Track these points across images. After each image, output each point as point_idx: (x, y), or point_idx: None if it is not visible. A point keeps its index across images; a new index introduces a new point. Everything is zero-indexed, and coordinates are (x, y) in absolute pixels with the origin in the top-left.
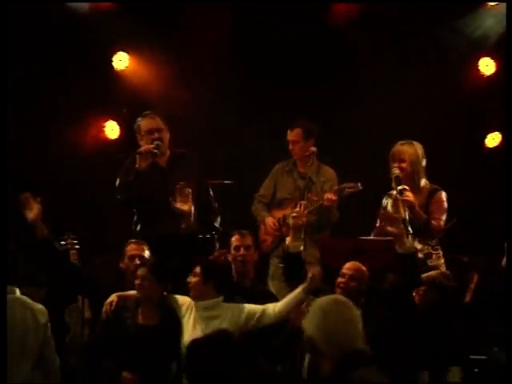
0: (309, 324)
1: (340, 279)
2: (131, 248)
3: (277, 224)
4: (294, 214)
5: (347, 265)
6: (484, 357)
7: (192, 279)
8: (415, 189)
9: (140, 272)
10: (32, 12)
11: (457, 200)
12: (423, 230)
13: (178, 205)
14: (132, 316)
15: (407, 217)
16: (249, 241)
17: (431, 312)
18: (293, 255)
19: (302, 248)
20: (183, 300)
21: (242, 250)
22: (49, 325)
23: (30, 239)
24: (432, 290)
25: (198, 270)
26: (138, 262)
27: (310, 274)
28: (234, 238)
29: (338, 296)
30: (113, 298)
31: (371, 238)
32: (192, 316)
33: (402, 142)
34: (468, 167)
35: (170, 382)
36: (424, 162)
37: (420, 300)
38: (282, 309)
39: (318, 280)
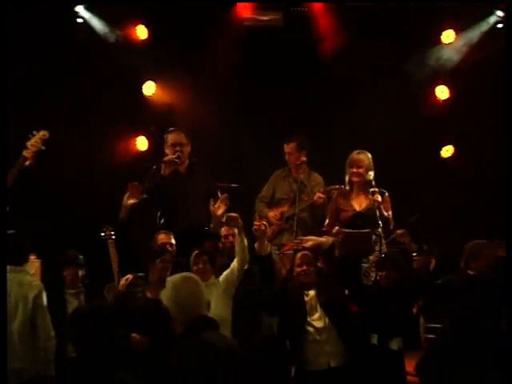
0: (164, 296)
1: (298, 268)
2: (162, 237)
3: (278, 215)
4: (255, 227)
5: (298, 255)
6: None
7: (200, 266)
8: (368, 191)
9: (167, 257)
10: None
11: (419, 198)
12: (384, 225)
13: (215, 210)
14: (142, 291)
15: (378, 214)
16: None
17: (391, 289)
18: (263, 257)
19: (269, 250)
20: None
21: (230, 237)
22: (41, 298)
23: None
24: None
25: (206, 258)
26: (169, 248)
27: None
28: (223, 229)
29: (187, 274)
30: (128, 276)
31: (354, 231)
32: None
33: (358, 151)
34: (427, 172)
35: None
36: (373, 170)
37: (383, 279)
38: (238, 263)
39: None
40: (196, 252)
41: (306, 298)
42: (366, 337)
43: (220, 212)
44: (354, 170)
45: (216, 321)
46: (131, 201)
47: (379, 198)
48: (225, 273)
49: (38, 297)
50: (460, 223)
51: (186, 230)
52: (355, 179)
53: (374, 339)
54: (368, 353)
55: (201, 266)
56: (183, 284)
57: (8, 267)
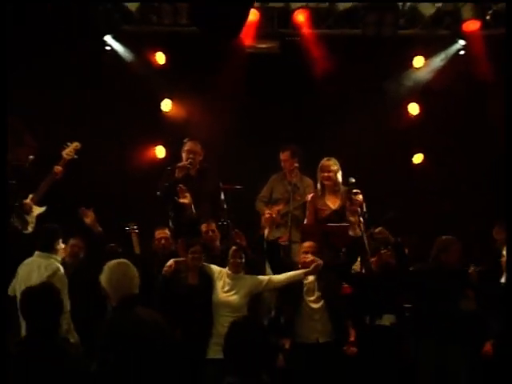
0: (102, 278)
1: (303, 255)
2: (158, 233)
3: (274, 212)
4: (266, 215)
5: (306, 243)
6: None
7: (237, 260)
8: (337, 191)
9: (196, 248)
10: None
11: (394, 198)
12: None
13: (181, 200)
14: (184, 277)
15: (359, 211)
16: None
17: (380, 273)
18: (270, 242)
19: (277, 236)
20: (216, 269)
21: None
22: (53, 277)
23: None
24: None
25: (242, 254)
26: (163, 242)
27: (314, 264)
28: (203, 225)
29: (122, 260)
30: (171, 262)
31: (335, 224)
32: (222, 281)
33: (327, 158)
34: (401, 176)
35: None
36: (340, 173)
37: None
38: (282, 281)
39: (317, 270)
40: (234, 248)
41: (306, 282)
42: (360, 317)
43: (186, 201)
44: (325, 174)
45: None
46: (88, 221)
47: (360, 198)
48: (259, 279)
49: (50, 276)
50: (429, 218)
51: (191, 224)
52: (326, 182)
53: (367, 319)
54: (361, 331)
55: (238, 260)
56: (117, 268)
57: (36, 252)
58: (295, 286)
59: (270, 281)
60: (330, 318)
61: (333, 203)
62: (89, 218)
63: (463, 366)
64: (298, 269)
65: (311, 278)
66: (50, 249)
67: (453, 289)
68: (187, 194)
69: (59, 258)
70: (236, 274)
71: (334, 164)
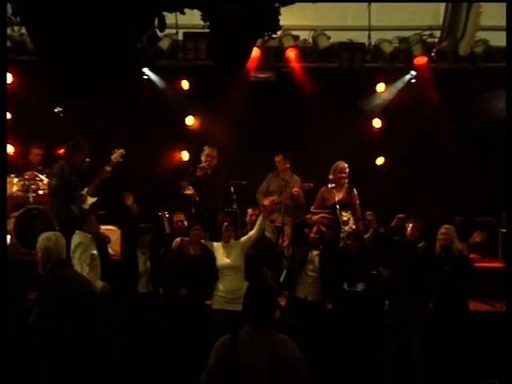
0: (37, 247)
1: (314, 235)
2: (176, 216)
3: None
4: (266, 203)
5: (315, 229)
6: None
7: (227, 233)
8: (342, 187)
9: (196, 227)
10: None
11: (362, 190)
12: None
13: (185, 192)
14: (187, 249)
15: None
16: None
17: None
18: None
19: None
20: (215, 244)
21: (253, 216)
22: (74, 249)
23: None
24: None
25: (232, 227)
26: (179, 224)
27: (263, 203)
28: (249, 210)
29: (53, 232)
30: (177, 239)
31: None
32: (220, 250)
33: (342, 161)
34: (367, 173)
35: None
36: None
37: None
38: (256, 231)
39: (270, 209)
40: (226, 223)
41: (310, 254)
42: (340, 283)
43: (190, 192)
44: (343, 175)
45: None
46: (189, 191)
47: (355, 192)
48: (244, 238)
49: (71, 249)
50: (388, 205)
51: (209, 210)
52: (342, 180)
53: (345, 285)
54: (341, 294)
55: (228, 233)
56: (49, 238)
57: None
58: (302, 257)
59: (250, 236)
60: (320, 282)
61: (338, 196)
62: (129, 200)
63: (420, 319)
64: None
65: (315, 253)
66: (81, 227)
67: (410, 260)
68: (190, 187)
69: (86, 235)
70: (227, 242)
71: (347, 167)
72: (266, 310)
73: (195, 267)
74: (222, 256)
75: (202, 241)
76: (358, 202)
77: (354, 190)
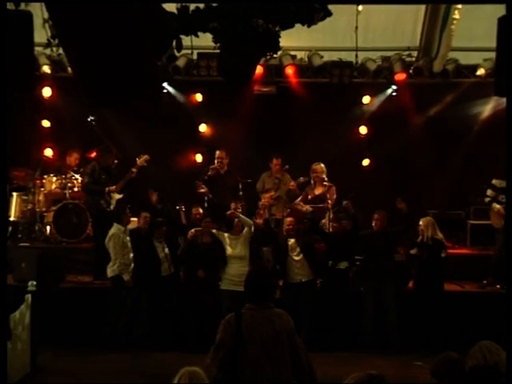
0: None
1: (287, 227)
2: (194, 210)
3: (269, 197)
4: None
5: (287, 220)
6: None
7: (237, 228)
8: (321, 184)
9: (207, 219)
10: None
11: (350, 187)
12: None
13: (199, 190)
14: (200, 238)
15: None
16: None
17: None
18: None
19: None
20: (225, 234)
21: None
22: (109, 239)
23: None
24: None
25: (239, 222)
26: (198, 216)
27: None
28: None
29: None
30: (192, 230)
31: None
32: (229, 241)
33: (317, 163)
34: (354, 173)
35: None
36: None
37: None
38: (247, 227)
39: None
40: (237, 220)
41: (289, 243)
42: (326, 262)
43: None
44: (317, 174)
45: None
46: (202, 190)
47: (333, 189)
48: (244, 231)
49: (108, 238)
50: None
51: (220, 206)
52: (316, 179)
53: (330, 263)
54: (327, 271)
55: (239, 227)
56: None
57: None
58: (282, 247)
59: (250, 225)
60: (308, 265)
61: (317, 191)
62: (154, 197)
63: (393, 297)
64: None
65: (292, 240)
66: (118, 221)
67: (383, 245)
68: (203, 186)
69: (121, 227)
70: (237, 235)
71: (321, 167)
72: (265, 290)
73: (206, 253)
74: (230, 246)
75: (214, 231)
76: (334, 197)
77: (333, 187)
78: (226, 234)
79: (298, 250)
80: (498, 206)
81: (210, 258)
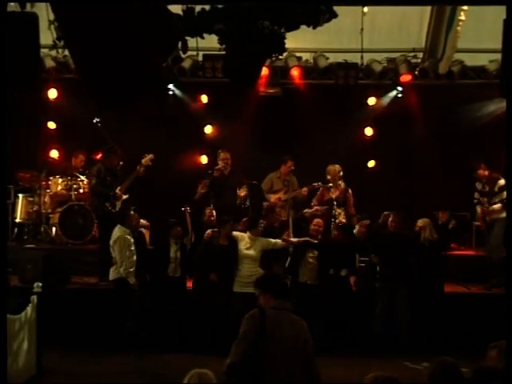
0: None
1: (313, 227)
2: (208, 211)
3: (277, 198)
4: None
5: (314, 221)
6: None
7: (258, 229)
8: (338, 186)
9: (232, 222)
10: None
11: (356, 188)
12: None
13: (202, 190)
14: (217, 240)
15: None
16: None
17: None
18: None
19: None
20: (239, 234)
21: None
22: (115, 242)
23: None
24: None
25: (263, 225)
26: (211, 218)
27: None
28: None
29: None
30: (209, 231)
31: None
32: (244, 241)
33: (333, 164)
34: (360, 176)
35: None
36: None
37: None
38: (280, 245)
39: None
40: (260, 221)
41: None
42: (328, 269)
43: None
44: (333, 175)
45: None
46: (202, 190)
47: (350, 192)
48: (271, 241)
49: (113, 241)
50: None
51: (225, 207)
52: (332, 180)
53: (331, 271)
54: (329, 278)
55: (259, 229)
56: None
57: (118, 225)
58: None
59: (276, 243)
60: (317, 269)
61: (334, 194)
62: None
63: (407, 299)
64: None
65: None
66: (122, 223)
67: (398, 247)
68: (204, 184)
69: (126, 229)
70: (255, 236)
71: (337, 168)
72: (285, 287)
73: (222, 255)
74: (245, 246)
75: (235, 233)
76: (352, 200)
77: (349, 190)
78: (246, 234)
79: (316, 252)
80: (479, 209)
81: (224, 260)
